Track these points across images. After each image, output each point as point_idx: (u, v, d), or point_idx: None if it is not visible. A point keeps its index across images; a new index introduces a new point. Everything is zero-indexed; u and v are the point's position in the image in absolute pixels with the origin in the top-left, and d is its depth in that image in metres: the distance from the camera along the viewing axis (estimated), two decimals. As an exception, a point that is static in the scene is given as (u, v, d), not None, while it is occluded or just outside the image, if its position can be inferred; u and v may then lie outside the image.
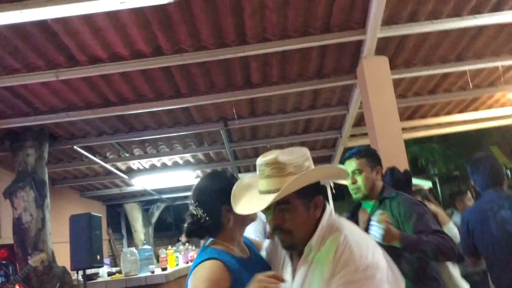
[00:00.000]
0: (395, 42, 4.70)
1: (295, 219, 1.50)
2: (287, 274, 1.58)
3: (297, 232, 1.51)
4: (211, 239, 1.79)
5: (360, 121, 6.98)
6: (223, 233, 1.76)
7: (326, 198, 1.62)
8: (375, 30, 4.05)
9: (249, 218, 1.77)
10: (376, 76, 4.53)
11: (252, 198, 1.58)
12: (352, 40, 4.41)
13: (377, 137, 4.39)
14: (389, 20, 4.18)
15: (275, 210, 1.53)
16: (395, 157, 4.28)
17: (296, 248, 1.56)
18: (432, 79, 5.83)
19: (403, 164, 4.24)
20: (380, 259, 1.42)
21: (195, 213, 1.76)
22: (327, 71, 5.14)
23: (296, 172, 1.48)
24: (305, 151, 1.58)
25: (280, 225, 1.52)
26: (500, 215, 2.90)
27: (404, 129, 6.55)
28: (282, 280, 1.37)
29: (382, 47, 4.60)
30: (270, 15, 3.94)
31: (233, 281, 1.58)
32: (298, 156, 1.52)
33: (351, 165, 2.64)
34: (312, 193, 1.54)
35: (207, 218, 1.74)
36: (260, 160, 1.55)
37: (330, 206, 1.57)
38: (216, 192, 1.75)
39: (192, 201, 1.80)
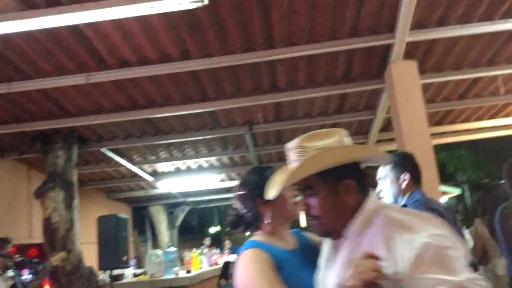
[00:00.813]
0: (424, 46, 4.64)
1: (321, 204, 1.42)
2: (328, 260, 1.53)
3: (325, 218, 1.43)
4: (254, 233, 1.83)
5: (387, 126, 6.90)
6: (263, 227, 1.78)
7: (368, 182, 1.46)
8: (404, 34, 4.01)
9: (290, 214, 1.78)
10: (405, 81, 4.48)
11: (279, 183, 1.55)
12: (380, 44, 4.37)
13: (405, 142, 4.33)
14: (418, 24, 4.13)
15: (303, 196, 1.49)
16: (423, 163, 4.18)
17: (332, 234, 1.48)
18: (462, 84, 5.72)
19: (431, 170, 4.18)
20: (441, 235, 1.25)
21: (236, 206, 1.83)
22: (355, 75, 5.10)
23: None
24: (338, 132, 1.47)
25: (308, 212, 1.47)
26: None
27: (433, 135, 6.43)
28: (376, 258, 1.21)
29: (411, 51, 4.54)
30: (297, 19, 3.94)
31: (276, 269, 1.59)
32: (324, 139, 1.43)
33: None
34: (339, 176, 1.40)
35: (246, 211, 1.79)
36: (286, 146, 1.52)
37: (375, 190, 1.48)
38: (251, 186, 1.79)
39: (235, 196, 1.86)
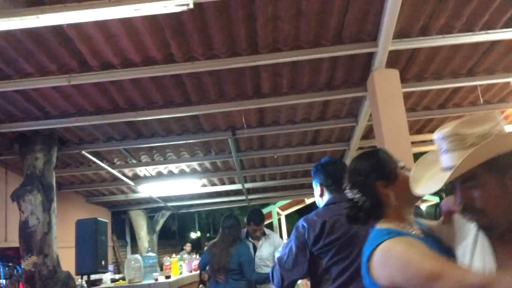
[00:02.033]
0: (406, 56, 4.71)
1: (486, 196, 1.30)
2: (487, 260, 1.37)
3: (492, 212, 1.30)
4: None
5: (368, 133, 6.97)
6: (388, 213, 1.62)
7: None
8: (386, 43, 4.06)
9: (416, 196, 1.59)
10: (387, 89, 4.53)
11: (432, 177, 1.44)
12: (363, 52, 4.42)
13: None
14: (400, 33, 4.19)
15: (461, 188, 1.35)
16: (404, 170, 4.26)
17: (495, 230, 1.34)
18: (443, 93, 5.81)
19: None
20: None
21: (351, 196, 1.68)
22: (338, 83, 5.14)
23: (480, 142, 1.28)
24: (493, 116, 1.35)
25: (470, 205, 1.34)
26: None
27: (413, 143, 6.52)
28: None
29: (393, 60, 4.60)
30: (282, 25, 3.96)
31: None
32: (482, 124, 1.32)
33: None
34: (508, 166, 1.28)
35: (364, 199, 1.64)
36: (437, 134, 1.39)
37: None
38: (368, 169, 1.66)
39: (347, 185, 1.71)
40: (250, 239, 5.16)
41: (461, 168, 1.29)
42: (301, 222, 2.42)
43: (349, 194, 1.69)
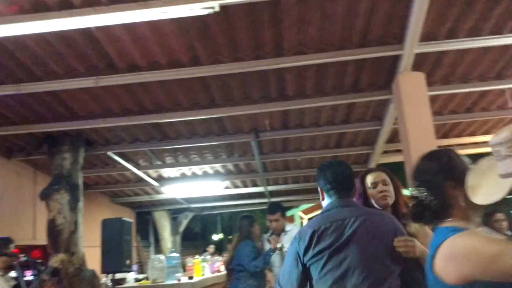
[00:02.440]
0: (432, 58, 4.64)
1: None
2: None
3: None
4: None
5: (393, 137, 6.89)
6: (455, 213, 1.58)
7: None
8: (412, 46, 4.02)
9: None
10: (412, 92, 4.48)
11: (491, 184, 1.39)
12: (389, 55, 4.38)
13: (411, 154, 4.32)
14: (427, 36, 4.14)
15: None
16: (429, 174, 4.20)
17: None
18: (470, 97, 5.72)
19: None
20: None
21: (417, 194, 1.65)
22: (363, 86, 5.11)
23: None
24: None
25: None
26: None
27: (439, 147, 6.42)
28: None
29: (419, 63, 4.54)
30: (307, 28, 3.96)
31: None
32: None
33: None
34: None
35: (432, 198, 1.61)
36: (493, 139, 1.36)
37: None
38: (437, 169, 1.63)
39: (413, 184, 1.69)
40: (273, 235, 4.98)
41: None
42: (296, 233, 2.42)
43: (415, 192, 1.66)
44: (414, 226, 2.46)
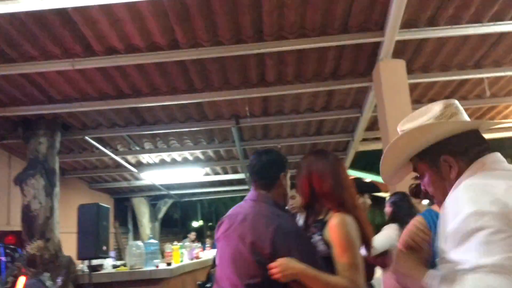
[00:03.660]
0: (413, 46, 4.66)
1: (428, 184, 1.37)
2: None
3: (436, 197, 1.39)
4: None
5: (373, 125, 6.93)
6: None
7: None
8: (393, 33, 4.02)
9: None
10: (392, 80, 4.50)
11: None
12: (369, 42, 4.38)
13: (390, 141, 4.34)
14: (408, 23, 4.15)
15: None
16: (408, 162, 4.23)
17: None
18: (449, 85, 5.76)
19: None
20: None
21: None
22: (343, 73, 5.11)
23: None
24: (432, 107, 1.38)
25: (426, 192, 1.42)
26: None
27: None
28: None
29: (400, 50, 4.56)
30: (288, 13, 3.92)
31: None
32: (416, 119, 1.37)
33: None
34: (436, 154, 1.33)
35: None
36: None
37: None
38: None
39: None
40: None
41: (383, 169, 1.42)
42: None
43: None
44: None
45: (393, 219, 3.54)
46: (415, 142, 1.34)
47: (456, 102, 1.38)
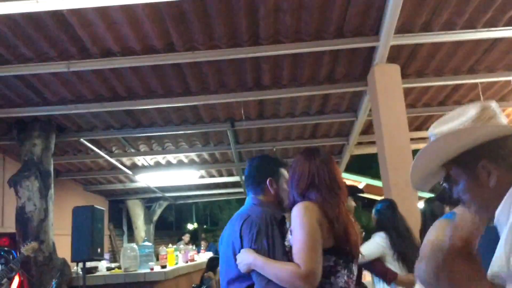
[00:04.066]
0: (407, 51, 4.69)
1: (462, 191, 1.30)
2: None
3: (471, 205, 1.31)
4: None
5: (368, 129, 6.96)
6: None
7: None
8: (388, 38, 4.05)
9: None
10: (387, 84, 4.52)
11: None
12: (364, 47, 4.41)
13: (385, 145, 4.37)
14: (402, 28, 4.18)
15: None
16: (402, 167, 4.26)
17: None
18: (443, 90, 5.80)
19: (410, 174, 4.22)
20: None
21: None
22: (338, 77, 5.13)
23: None
24: (468, 110, 1.29)
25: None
26: None
27: (412, 140, 6.52)
28: None
29: (394, 55, 4.59)
30: (284, 17, 3.94)
31: None
32: (452, 121, 1.29)
33: None
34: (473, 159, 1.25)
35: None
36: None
37: None
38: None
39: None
40: None
41: (412, 177, 1.35)
42: None
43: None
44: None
45: (379, 227, 3.56)
46: (450, 147, 1.27)
47: (494, 104, 1.31)
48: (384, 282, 3.36)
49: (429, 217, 4.70)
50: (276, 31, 4.15)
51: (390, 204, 3.63)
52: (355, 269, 2.02)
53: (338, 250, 1.93)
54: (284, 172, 2.28)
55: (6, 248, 4.61)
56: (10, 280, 4.24)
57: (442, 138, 1.27)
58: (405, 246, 3.43)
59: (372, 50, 4.50)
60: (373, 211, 3.69)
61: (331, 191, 2.00)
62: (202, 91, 5.24)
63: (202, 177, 9.82)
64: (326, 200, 1.96)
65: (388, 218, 3.53)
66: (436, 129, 1.31)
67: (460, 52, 4.79)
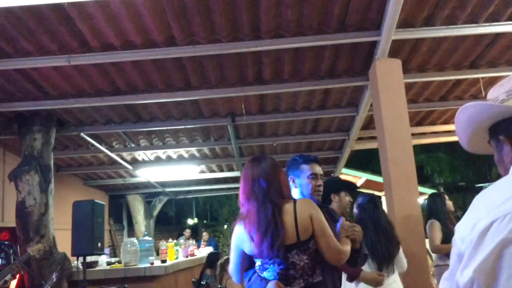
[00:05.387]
0: (409, 45, 4.67)
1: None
2: None
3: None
4: None
5: (368, 124, 6.94)
6: None
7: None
8: (390, 32, 4.03)
9: None
10: (389, 79, 4.50)
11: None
12: (366, 41, 4.39)
13: (386, 140, 4.36)
14: (404, 22, 4.16)
15: None
16: (403, 162, 4.25)
17: None
18: (445, 85, 5.79)
19: (410, 170, 4.22)
20: None
21: None
22: (339, 71, 5.11)
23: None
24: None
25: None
26: None
27: (413, 135, 6.51)
28: None
29: (396, 49, 4.57)
30: (285, 11, 3.92)
31: None
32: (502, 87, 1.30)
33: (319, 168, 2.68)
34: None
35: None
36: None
37: None
38: None
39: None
40: None
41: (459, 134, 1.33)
42: None
43: None
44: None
45: (359, 220, 3.53)
46: (478, 116, 1.27)
47: None
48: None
49: (433, 211, 4.72)
50: (278, 25, 4.13)
51: (371, 199, 3.61)
52: None
53: None
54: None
55: (6, 242, 4.62)
56: (13, 277, 4.24)
57: (473, 106, 1.28)
58: (378, 242, 3.41)
59: (373, 45, 4.48)
60: (355, 205, 3.67)
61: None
62: (203, 85, 5.22)
63: (202, 172, 9.81)
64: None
65: (369, 213, 3.51)
66: (490, 94, 1.32)
67: (462, 47, 4.78)
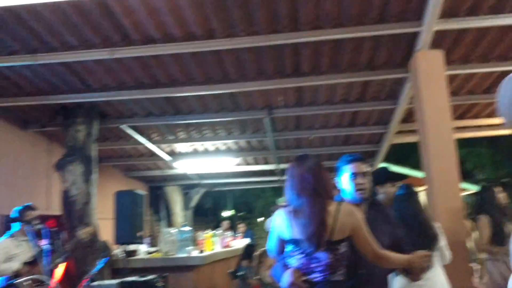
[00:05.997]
0: (452, 36, 4.54)
1: None
2: None
3: None
4: None
5: (408, 117, 6.80)
6: None
7: None
8: (431, 22, 3.93)
9: None
10: (430, 71, 4.40)
11: None
12: (407, 32, 4.30)
13: (427, 134, 4.27)
14: (447, 12, 4.04)
15: None
16: (445, 156, 4.16)
17: None
18: (489, 77, 5.60)
19: (453, 164, 4.12)
20: None
21: None
22: (379, 63, 5.03)
23: None
24: None
25: None
26: None
27: (455, 128, 6.36)
28: None
29: (438, 40, 4.45)
30: (324, 2, 3.90)
31: None
32: None
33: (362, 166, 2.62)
34: None
35: None
36: None
37: None
38: None
39: None
40: None
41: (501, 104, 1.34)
42: None
43: None
44: None
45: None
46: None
47: None
48: None
49: (482, 206, 4.61)
50: (316, 16, 4.10)
51: (404, 193, 3.42)
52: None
53: None
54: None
55: (53, 229, 4.78)
56: (64, 260, 4.40)
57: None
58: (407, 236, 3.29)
59: (414, 36, 4.38)
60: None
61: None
62: (241, 78, 5.25)
63: (238, 164, 9.88)
64: None
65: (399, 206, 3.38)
66: None
67: (508, 37, 4.61)
